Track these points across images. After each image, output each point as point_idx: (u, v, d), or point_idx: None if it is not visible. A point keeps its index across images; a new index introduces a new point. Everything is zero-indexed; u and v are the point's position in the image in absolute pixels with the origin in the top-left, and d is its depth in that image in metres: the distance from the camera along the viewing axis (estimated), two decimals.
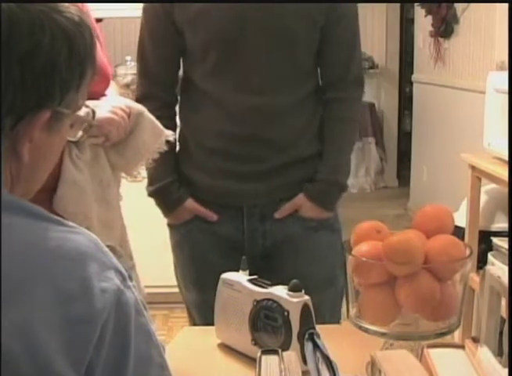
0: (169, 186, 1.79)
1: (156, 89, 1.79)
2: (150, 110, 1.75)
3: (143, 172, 1.56)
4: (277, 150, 1.73)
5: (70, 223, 0.78)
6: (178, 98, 1.83)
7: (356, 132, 1.87)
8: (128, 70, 3.78)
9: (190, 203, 1.78)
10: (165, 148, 1.57)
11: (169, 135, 1.56)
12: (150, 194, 1.82)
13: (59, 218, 0.78)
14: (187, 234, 1.81)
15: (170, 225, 1.86)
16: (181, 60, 1.79)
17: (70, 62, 0.78)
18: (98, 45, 1.47)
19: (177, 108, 1.84)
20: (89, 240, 0.78)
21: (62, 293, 0.72)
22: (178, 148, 1.83)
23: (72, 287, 0.73)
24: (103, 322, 0.73)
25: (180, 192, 1.79)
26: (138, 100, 1.79)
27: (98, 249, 0.78)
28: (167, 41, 1.74)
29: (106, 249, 0.79)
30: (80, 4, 1.48)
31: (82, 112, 0.88)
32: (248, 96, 1.68)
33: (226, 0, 1.64)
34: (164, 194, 1.80)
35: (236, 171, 1.73)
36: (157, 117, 1.72)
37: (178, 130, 1.82)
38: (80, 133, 0.91)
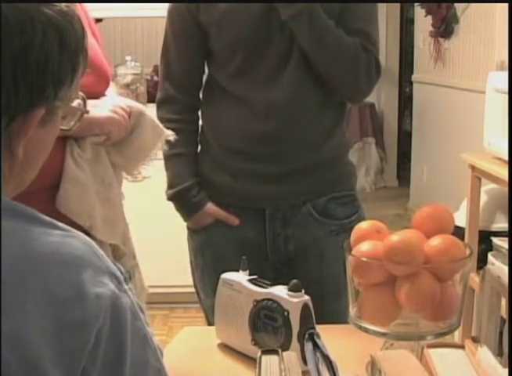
0: (189, 190, 1.76)
1: (179, 93, 1.77)
2: (171, 114, 1.75)
3: (144, 172, 1.56)
4: (302, 150, 1.71)
5: (65, 226, 0.77)
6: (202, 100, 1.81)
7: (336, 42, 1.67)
8: (128, 70, 3.78)
9: (211, 207, 1.75)
10: (165, 148, 1.57)
11: (169, 134, 1.56)
12: (169, 198, 1.79)
13: (53, 221, 0.77)
14: (208, 239, 1.78)
15: (190, 229, 1.83)
16: (205, 63, 1.77)
17: (62, 56, 0.77)
18: (97, 45, 1.48)
19: (199, 112, 1.82)
20: (84, 244, 0.76)
21: (55, 299, 0.71)
22: (199, 150, 1.81)
23: (66, 292, 0.71)
24: (98, 328, 0.72)
25: (200, 196, 1.76)
26: (159, 103, 1.80)
27: (93, 253, 0.76)
28: (192, 42, 1.73)
29: (102, 252, 0.77)
30: (79, 4, 1.49)
31: (74, 102, 0.87)
32: (274, 94, 1.66)
33: (246, 0, 1.64)
34: (183, 198, 1.77)
35: (259, 172, 1.71)
36: (178, 121, 1.72)
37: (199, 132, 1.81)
38: (72, 122, 0.90)
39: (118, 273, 0.77)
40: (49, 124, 0.79)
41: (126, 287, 0.77)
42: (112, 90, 1.57)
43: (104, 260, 0.77)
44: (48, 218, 0.76)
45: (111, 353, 0.73)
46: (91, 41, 1.46)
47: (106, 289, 0.74)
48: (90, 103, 1.38)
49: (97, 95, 1.45)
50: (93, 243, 0.78)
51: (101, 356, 0.72)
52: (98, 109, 1.39)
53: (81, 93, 0.89)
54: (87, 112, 0.91)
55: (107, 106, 1.42)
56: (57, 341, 0.70)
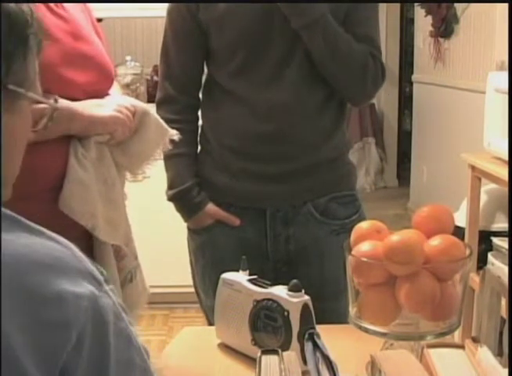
0: (189, 191, 1.76)
1: (179, 92, 1.77)
2: (171, 114, 1.74)
3: (147, 172, 1.55)
4: (302, 150, 1.71)
5: (47, 231, 0.77)
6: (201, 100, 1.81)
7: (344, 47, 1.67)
8: (128, 70, 3.78)
9: (211, 207, 1.75)
10: (170, 147, 1.57)
11: (173, 134, 1.56)
12: (170, 198, 1.79)
13: (35, 225, 0.76)
14: (209, 239, 1.78)
15: (190, 229, 1.83)
16: (204, 63, 1.78)
17: (9, 31, 0.75)
18: (101, 44, 1.48)
19: (199, 112, 1.82)
20: (64, 246, 0.76)
21: (34, 299, 0.71)
22: (199, 150, 1.81)
23: (45, 293, 0.71)
24: (80, 329, 0.72)
25: (201, 196, 1.76)
26: (159, 103, 1.80)
27: (72, 255, 0.76)
28: (192, 42, 1.73)
29: (81, 254, 0.77)
30: (83, 4, 1.49)
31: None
32: (274, 94, 1.66)
33: (247, 0, 1.64)
34: (183, 199, 1.77)
35: (260, 172, 1.71)
36: (178, 121, 1.71)
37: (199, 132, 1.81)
38: (44, 120, 0.90)
39: (98, 275, 0.77)
40: (15, 113, 0.78)
41: (107, 287, 0.77)
42: (116, 89, 1.57)
43: (84, 262, 0.77)
44: (29, 223, 0.76)
45: (95, 355, 0.73)
46: (95, 40, 1.46)
47: (85, 290, 0.74)
48: (94, 102, 1.39)
49: (100, 93, 1.44)
50: (72, 245, 0.78)
51: (85, 357, 0.72)
52: (102, 108, 1.39)
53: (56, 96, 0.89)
54: (56, 108, 0.91)
55: (111, 105, 1.42)
56: (35, 340, 0.70)
